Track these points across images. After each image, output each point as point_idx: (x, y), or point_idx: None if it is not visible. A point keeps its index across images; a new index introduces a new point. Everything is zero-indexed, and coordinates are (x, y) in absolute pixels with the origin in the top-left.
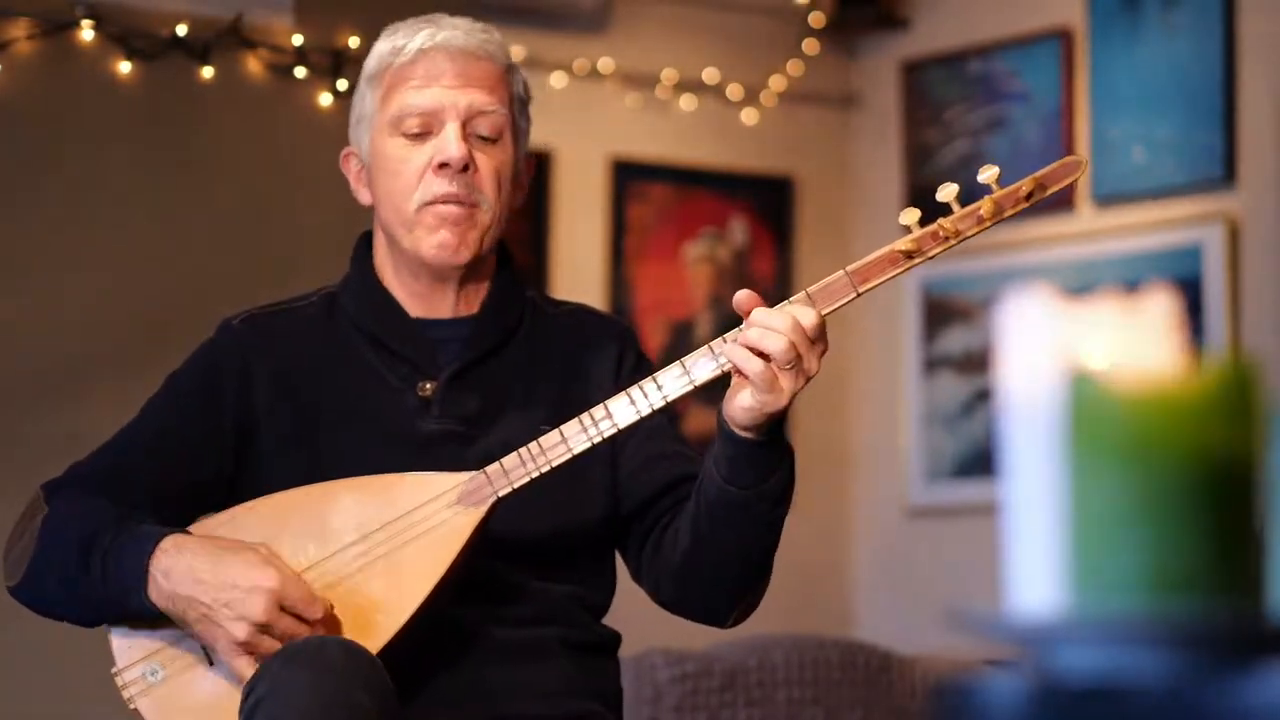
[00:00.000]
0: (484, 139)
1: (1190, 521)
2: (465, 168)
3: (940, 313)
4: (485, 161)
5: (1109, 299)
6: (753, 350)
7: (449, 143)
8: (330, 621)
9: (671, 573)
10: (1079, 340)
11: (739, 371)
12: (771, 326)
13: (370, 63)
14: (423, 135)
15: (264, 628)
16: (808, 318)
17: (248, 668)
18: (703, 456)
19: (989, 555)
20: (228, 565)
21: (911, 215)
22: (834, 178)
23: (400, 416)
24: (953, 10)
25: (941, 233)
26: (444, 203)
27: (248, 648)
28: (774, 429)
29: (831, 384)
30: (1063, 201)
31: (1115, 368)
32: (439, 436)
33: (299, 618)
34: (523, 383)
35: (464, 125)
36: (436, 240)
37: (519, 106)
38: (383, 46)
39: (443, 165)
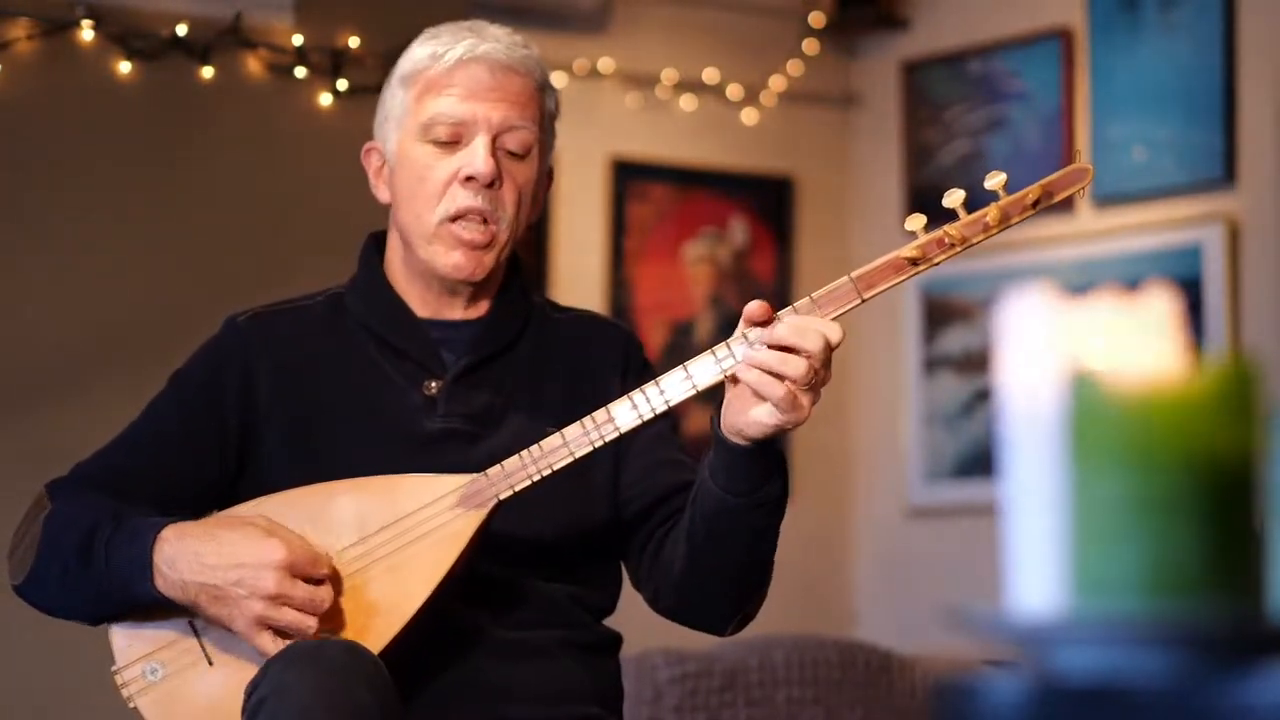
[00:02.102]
0: (512, 154)
1: (1190, 522)
2: (491, 183)
3: (940, 313)
4: (510, 178)
5: (1109, 299)
6: (771, 373)
7: (478, 156)
8: (336, 580)
9: (670, 582)
10: (1079, 340)
11: (760, 395)
12: (799, 347)
13: (405, 64)
14: (451, 144)
15: (278, 599)
16: (835, 334)
17: (271, 643)
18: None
19: (989, 555)
20: (231, 544)
21: (917, 221)
22: (834, 178)
23: (405, 415)
24: (953, 10)
25: (947, 239)
26: (466, 218)
27: (266, 622)
28: (770, 438)
29: (832, 384)
30: (1063, 201)
31: (1115, 368)
32: (443, 435)
33: (310, 580)
34: (528, 384)
35: (494, 139)
36: (452, 260)
37: (548, 123)
38: (421, 50)
39: (469, 178)
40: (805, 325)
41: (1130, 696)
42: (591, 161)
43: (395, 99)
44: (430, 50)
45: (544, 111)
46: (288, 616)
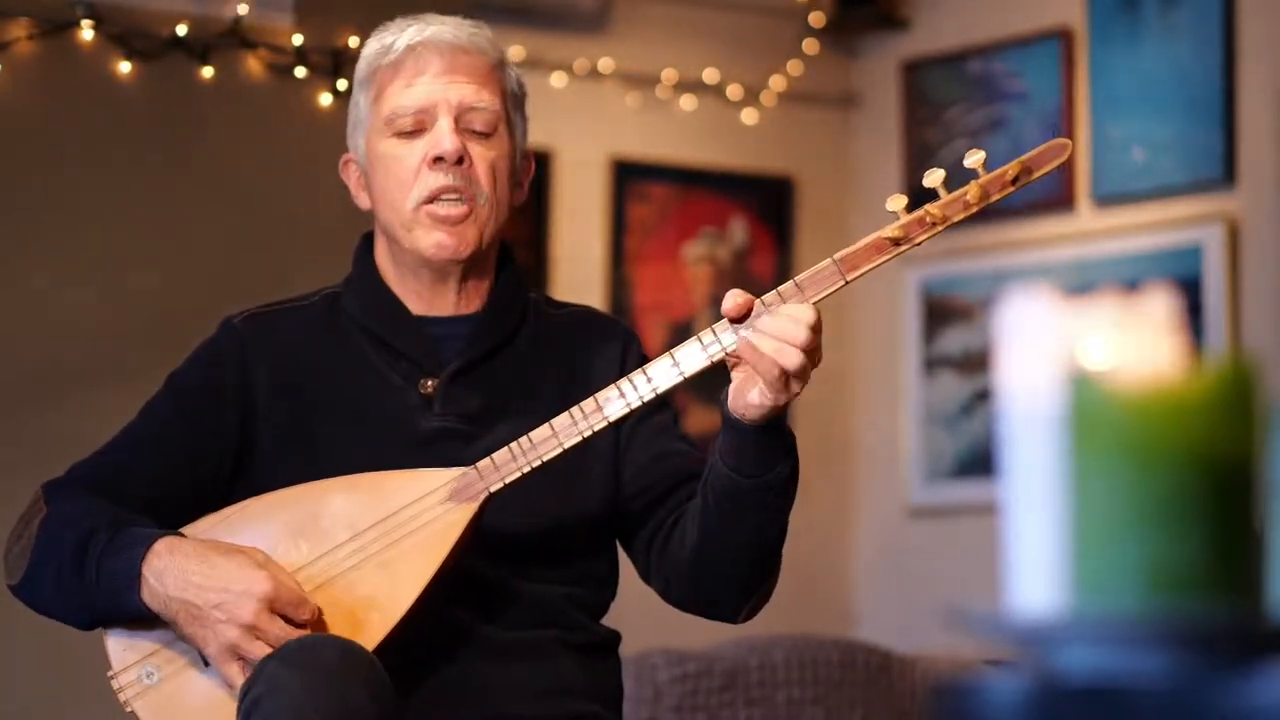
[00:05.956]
0: (477, 134)
1: (1190, 521)
2: (460, 160)
3: (940, 313)
4: (480, 155)
5: (1109, 299)
6: (769, 360)
7: (442, 136)
8: (319, 625)
9: (682, 571)
10: (1079, 340)
11: (756, 373)
12: (788, 339)
13: (360, 66)
14: (416, 132)
15: (254, 631)
16: (810, 316)
17: (237, 673)
18: (708, 454)
19: (989, 555)
20: (221, 568)
21: (898, 202)
22: (834, 178)
23: (402, 414)
24: (953, 10)
25: (928, 219)
26: (442, 197)
27: (237, 651)
28: (777, 418)
29: (831, 384)
30: (1063, 201)
31: (1115, 368)
32: (440, 434)
33: (290, 621)
34: (525, 381)
35: (456, 120)
36: (434, 240)
37: (512, 101)
38: (371, 48)
39: (437, 159)
40: (786, 319)
41: (1130, 696)
42: (591, 161)
43: (357, 104)
44: (378, 45)
45: (504, 89)
46: (259, 651)
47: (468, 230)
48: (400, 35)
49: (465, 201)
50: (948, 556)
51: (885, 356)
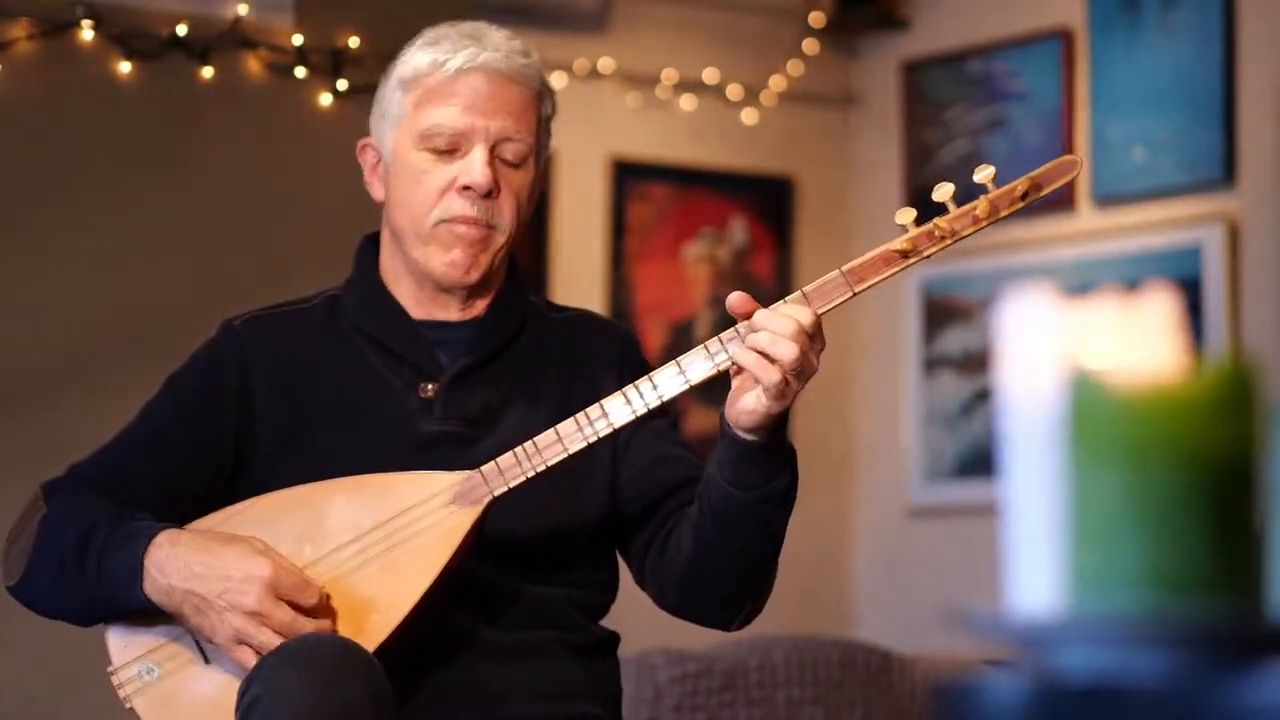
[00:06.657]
0: (508, 162)
1: (1190, 521)
2: (489, 193)
3: (940, 313)
4: (507, 185)
5: (1109, 299)
6: (763, 356)
7: (475, 167)
8: (324, 609)
9: (676, 577)
10: (1079, 340)
11: (754, 379)
12: (781, 332)
13: (405, 68)
14: (449, 153)
15: (259, 617)
16: (806, 317)
17: (248, 657)
18: (706, 460)
19: (989, 555)
20: (221, 557)
21: (907, 215)
22: (834, 178)
23: (401, 418)
24: (953, 10)
25: (937, 232)
26: (462, 223)
27: (244, 637)
28: (776, 430)
29: (831, 384)
30: (1063, 201)
31: (1115, 368)
32: (440, 438)
33: (295, 606)
34: (525, 385)
35: (491, 149)
36: (448, 258)
37: (543, 128)
38: (422, 56)
39: (466, 188)
40: (776, 312)
41: (1130, 696)
42: (591, 161)
43: (393, 100)
44: (431, 57)
45: (540, 119)
46: (263, 636)
47: (482, 256)
48: (455, 56)
49: (485, 228)
50: (948, 556)
51: (885, 356)
